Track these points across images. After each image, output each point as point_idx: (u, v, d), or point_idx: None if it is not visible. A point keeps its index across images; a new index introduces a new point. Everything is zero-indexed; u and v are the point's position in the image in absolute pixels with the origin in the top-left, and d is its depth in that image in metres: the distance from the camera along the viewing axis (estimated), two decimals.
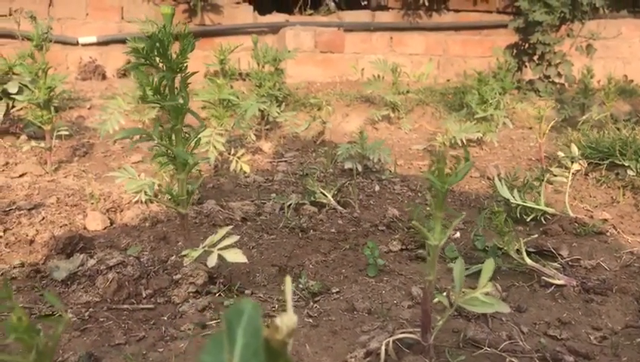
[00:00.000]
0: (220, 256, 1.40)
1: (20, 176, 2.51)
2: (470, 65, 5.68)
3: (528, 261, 1.51)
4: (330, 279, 1.57)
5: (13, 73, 3.02)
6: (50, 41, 2.66)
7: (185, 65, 1.39)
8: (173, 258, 1.54)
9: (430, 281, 1.06)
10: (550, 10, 4.67)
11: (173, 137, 1.45)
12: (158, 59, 1.39)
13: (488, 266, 1.05)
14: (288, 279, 0.57)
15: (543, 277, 1.50)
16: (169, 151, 1.47)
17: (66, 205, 2.11)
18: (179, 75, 1.41)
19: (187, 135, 1.47)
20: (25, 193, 2.27)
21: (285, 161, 3.02)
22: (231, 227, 1.47)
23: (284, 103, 3.71)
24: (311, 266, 1.64)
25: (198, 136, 1.48)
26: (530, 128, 4.27)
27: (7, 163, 2.67)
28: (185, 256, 1.43)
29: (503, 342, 1.21)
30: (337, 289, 1.47)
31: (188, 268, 1.45)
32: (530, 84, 4.97)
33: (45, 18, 4.63)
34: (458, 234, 1.92)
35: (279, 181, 2.60)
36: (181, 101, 1.41)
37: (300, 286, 1.47)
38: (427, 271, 1.06)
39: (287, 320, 0.55)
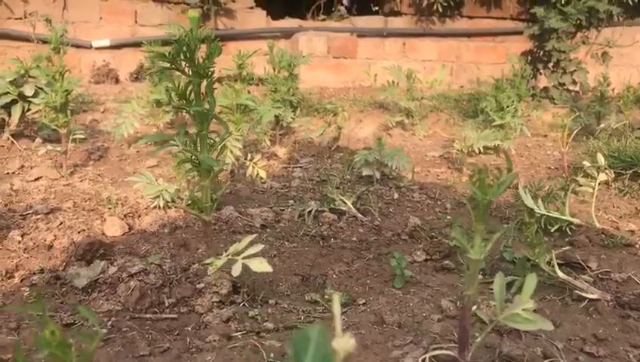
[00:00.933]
0: (244, 266, 1.36)
1: (36, 179, 2.49)
2: (483, 72, 5.64)
3: (560, 274, 1.47)
4: (355, 290, 1.53)
5: (29, 76, 3.02)
6: (67, 44, 2.64)
7: (212, 70, 1.37)
8: (195, 266, 1.51)
9: (469, 296, 1.03)
10: (566, 17, 4.63)
11: (198, 143, 1.42)
12: (184, 63, 1.37)
13: (530, 281, 1.01)
14: (336, 297, 0.53)
15: (576, 291, 1.45)
16: (193, 157, 1.44)
17: (83, 210, 2.09)
18: (205, 80, 1.39)
19: (212, 141, 1.44)
20: (41, 197, 2.25)
21: (301, 167, 2.99)
22: (255, 235, 1.44)
23: (297, 109, 3.68)
24: (334, 276, 1.61)
25: (223, 142, 1.45)
26: (545, 136, 4.22)
27: (22, 166, 2.66)
28: (208, 264, 1.40)
29: (539, 359, 1.17)
30: (364, 301, 1.44)
31: (211, 277, 1.42)
32: (544, 91, 4.93)
33: (60, 21, 4.65)
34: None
35: (296, 187, 2.57)
36: (207, 106, 1.38)
37: (326, 296, 1.43)
38: (466, 286, 1.03)
39: (343, 343, 0.51)
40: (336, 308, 0.52)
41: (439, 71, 5.53)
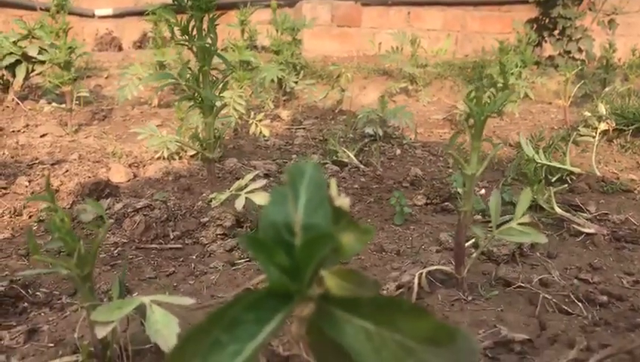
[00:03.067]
0: (247, 200, 1.39)
1: (42, 136, 2.51)
2: (488, 42, 5.59)
3: (558, 210, 1.49)
4: None
5: (33, 37, 3.02)
6: (64, 9, 2.62)
7: (214, 4, 1.38)
8: (199, 203, 1.54)
9: (466, 212, 1.05)
10: None
11: (201, 79, 1.44)
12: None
13: (525, 196, 1.03)
14: (333, 181, 0.56)
15: (573, 226, 1.48)
16: (196, 93, 1.46)
17: (89, 161, 2.12)
18: (206, 14, 1.39)
19: (214, 78, 1.46)
20: (47, 150, 2.28)
21: (304, 128, 3.00)
22: (257, 172, 1.46)
23: (301, 74, 3.68)
24: None
25: (226, 79, 1.46)
26: (550, 103, 4.20)
27: (27, 125, 2.68)
28: (212, 199, 1.43)
29: (533, 282, 1.19)
30: None
31: (215, 211, 1.45)
32: (550, 59, 4.88)
33: None
34: (483, 191, 1.90)
35: (299, 144, 2.58)
36: (209, 41, 1.39)
37: None
38: (462, 203, 1.05)
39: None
40: (333, 185, 0.54)
41: (444, 40, 5.48)
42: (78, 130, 2.63)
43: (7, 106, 2.95)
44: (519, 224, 1.01)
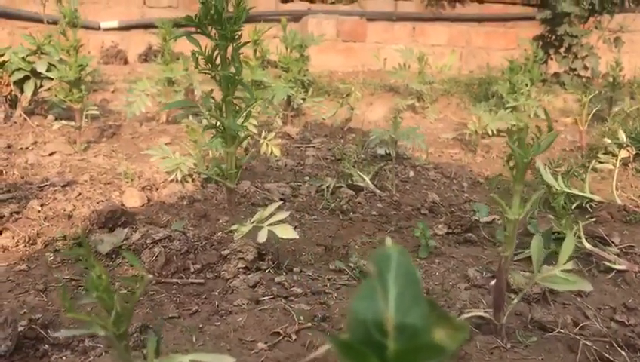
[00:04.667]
0: (269, 232, 1.35)
1: (50, 154, 2.48)
2: (493, 57, 5.60)
3: (587, 245, 1.46)
4: None
5: (42, 52, 2.99)
6: (77, 25, 2.59)
7: (239, 33, 1.35)
8: (218, 234, 1.50)
9: (506, 257, 1.02)
10: (579, 1, 4.59)
11: (224, 109, 1.40)
12: (210, 27, 1.35)
13: (569, 244, 1.00)
14: (389, 240, 0.52)
15: (603, 262, 1.44)
16: (218, 123, 1.42)
17: (100, 182, 2.08)
18: (231, 44, 1.37)
19: (238, 107, 1.42)
20: (57, 170, 2.24)
21: (313, 147, 2.97)
22: (279, 203, 1.43)
23: (309, 90, 3.66)
24: (357, 247, 1.60)
25: (249, 108, 1.43)
26: (557, 121, 4.19)
27: (35, 142, 2.64)
28: (234, 231, 1.39)
29: (570, 326, 1.16)
30: None
31: (236, 243, 1.41)
32: (555, 77, 4.89)
33: (68, 1, 4.61)
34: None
35: (311, 165, 2.55)
36: (234, 71, 1.36)
37: (351, 265, 1.43)
38: (504, 248, 1.02)
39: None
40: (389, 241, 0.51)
41: (449, 56, 5.48)
42: (87, 148, 2.59)
43: (15, 122, 2.91)
44: (562, 271, 0.98)
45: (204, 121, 1.45)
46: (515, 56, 5.81)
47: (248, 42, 1.40)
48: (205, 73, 1.37)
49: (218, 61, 1.38)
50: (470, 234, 1.69)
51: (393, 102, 4.10)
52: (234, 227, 1.40)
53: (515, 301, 1.06)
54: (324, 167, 2.52)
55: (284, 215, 1.39)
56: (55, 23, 4.26)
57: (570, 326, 1.17)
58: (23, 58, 2.90)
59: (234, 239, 1.42)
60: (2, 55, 2.95)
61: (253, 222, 1.41)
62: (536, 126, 1.05)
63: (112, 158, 2.46)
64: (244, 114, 1.43)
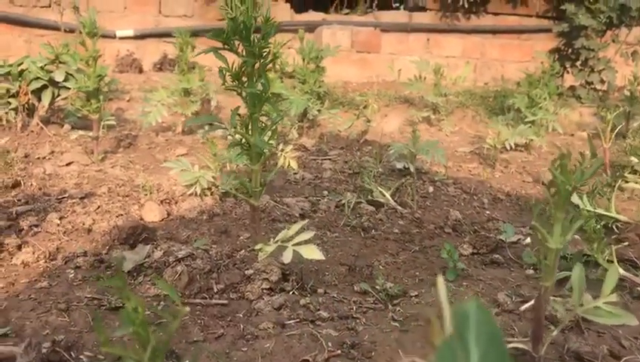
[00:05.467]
0: (293, 252, 1.33)
1: (67, 164, 2.47)
2: (507, 69, 5.56)
3: (621, 271, 1.41)
4: (404, 282, 1.49)
5: (60, 62, 3.00)
6: (96, 34, 2.58)
7: (267, 50, 1.33)
8: (241, 252, 1.47)
9: (547, 288, 0.98)
10: (596, 14, 4.55)
11: (250, 126, 1.38)
12: (238, 43, 1.33)
13: (612, 274, 0.97)
14: (440, 281, 0.49)
15: (638, 288, 1.40)
16: (243, 140, 1.40)
17: (118, 195, 2.07)
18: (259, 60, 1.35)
19: (263, 124, 1.40)
20: (74, 182, 2.22)
21: (330, 159, 2.94)
22: (305, 222, 1.40)
23: (326, 101, 3.64)
24: (381, 267, 1.56)
25: (275, 125, 1.41)
26: (573, 135, 4.15)
27: (52, 151, 2.64)
28: (258, 250, 1.36)
29: (608, 357, 1.12)
30: (416, 293, 1.39)
31: (260, 263, 1.38)
32: (571, 90, 4.85)
33: (85, 10, 4.64)
34: (529, 240, 1.83)
35: (328, 178, 2.53)
36: (261, 88, 1.34)
37: (377, 287, 1.39)
38: (544, 277, 0.98)
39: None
40: (442, 292, 0.48)
41: (463, 67, 5.45)
42: (104, 159, 2.58)
43: (32, 131, 2.91)
44: (606, 303, 0.94)
45: (229, 137, 1.43)
46: (530, 69, 5.77)
47: (276, 58, 1.38)
48: (232, 90, 1.35)
49: (244, 77, 1.36)
50: (497, 256, 1.65)
51: (408, 113, 4.07)
52: (258, 246, 1.38)
53: (555, 333, 1.02)
54: (342, 181, 2.49)
55: (309, 235, 1.36)
56: (72, 31, 4.31)
57: (608, 357, 1.13)
58: (41, 67, 2.91)
59: (257, 258, 1.39)
60: (21, 64, 2.96)
61: (277, 241, 1.39)
62: (580, 153, 1.01)
63: (130, 170, 2.45)
64: (270, 131, 1.41)
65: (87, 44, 2.52)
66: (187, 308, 0.74)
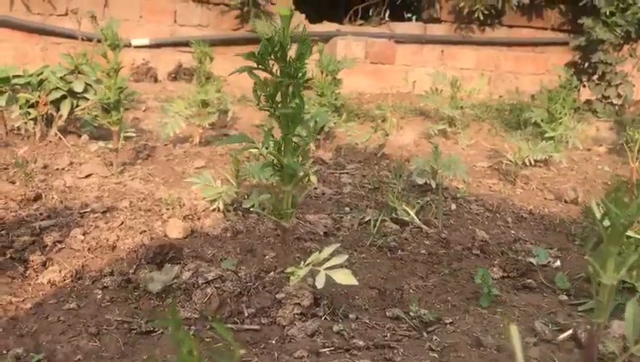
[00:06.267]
0: (326, 277, 1.30)
1: (87, 176, 2.45)
2: (522, 82, 5.53)
3: None
4: (436, 307, 1.45)
5: (79, 72, 3.00)
6: (118, 44, 2.57)
7: (304, 70, 1.31)
8: (271, 274, 1.45)
9: (599, 325, 0.95)
10: (614, 28, 4.52)
11: (282, 147, 1.36)
12: (272, 63, 1.31)
13: None
14: (514, 330, 0.47)
15: None
16: (275, 161, 1.38)
17: (140, 210, 2.05)
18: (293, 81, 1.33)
19: (296, 145, 1.38)
20: (95, 195, 2.21)
21: (347, 173, 2.92)
22: (337, 245, 1.38)
23: (343, 114, 3.63)
24: (411, 291, 1.53)
25: (307, 146, 1.38)
26: (589, 150, 4.11)
27: (71, 162, 2.63)
28: (290, 273, 1.34)
29: None
30: (450, 320, 1.36)
31: (291, 287, 1.35)
32: (587, 104, 4.81)
33: (101, 19, 4.65)
34: (559, 263, 1.79)
35: (349, 194, 2.50)
36: (295, 108, 1.32)
37: (410, 313, 1.36)
38: (597, 314, 0.95)
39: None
40: (517, 342, 0.45)
41: (477, 79, 5.43)
42: (123, 171, 2.57)
43: (50, 141, 2.90)
44: None
45: (260, 157, 1.41)
46: (545, 82, 5.74)
47: (311, 79, 1.36)
48: (266, 110, 1.33)
49: (278, 97, 1.34)
50: (529, 280, 1.62)
51: (424, 126, 4.05)
52: (289, 270, 1.35)
53: None
54: (362, 197, 2.46)
55: (341, 259, 1.33)
56: (89, 40, 4.32)
57: None
58: (60, 78, 2.91)
59: (288, 281, 1.37)
60: (40, 74, 2.96)
61: (308, 265, 1.36)
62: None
63: (149, 183, 2.43)
64: (302, 152, 1.39)
65: (109, 56, 2.51)
66: (242, 350, 0.71)
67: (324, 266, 1.32)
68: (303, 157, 1.39)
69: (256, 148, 1.39)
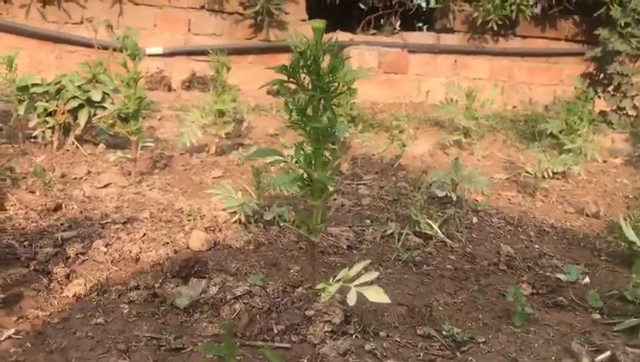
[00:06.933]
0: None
1: (105, 186, 2.45)
2: (535, 92, 5.50)
3: None
4: (468, 325, 1.42)
5: (97, 81, 3.00)
6: (138, 53, 2.56)
7: (336, 84, 1.29)
8: (299, 289, 1.42)
9: None
10: (628, 39, 4.49)
11: (313, 161, 1.34)
12: (304, 76, 1.30)
13: None
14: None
15: None
16: (305, 175, 1.36)
17: (161, 221, 2.03)
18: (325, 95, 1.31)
19: (327, 159, 1.36)
20: (114, 205, 2.20)
21: (365, 184, 2.90)
22: (367, 262, 1.35)
23: (359, 124, 3.61)
24: (440, 308, 1.51)
25: (337, 160, 1.37)
26: (605, 161, 4.07)
27: (89, 172, 2.62)
28: (321, 290, 1.31)
29: None
30: (483, 339, 1.33)
31: (321, 304, 1.33)
32: (602, 115, 4.77)
33: (116, 28, 4.68)
34: (587, 279, 1.76)
35: (368, 206, 2.48)
36: (326, 122, 1.30)
37: (443, 332, 1.33)
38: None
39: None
40: None
41: (490, 90, 5.40)
42: (140, 180, 2.56)
43: (67, 150, 2.90)
44: None
45: (290, 171, 1.39)
46: (558, 92, 5.71)
47: (342, 93, 1.34)
48: (297, 125, 1.31)
49: (309, 111, 1.32)
50: (560, 298, 1.58)
51: (438, 136, 4.02)
52: (320, 286, 1.33)
53: None
54: (382, 209, 2.43)
55: (372, 275, 1.31)
56: (105, 48, 4.33)
57: None
58: (78, 86, 2.91)
59: (316, 298, 1.34)
60: (58, 83, 2.96)
61: (338, 281, 1.34)
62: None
63: (168, 193, 2.42)
64: (332, 166, 1.37)
65: (129, 66, 2.51)
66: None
67: (355, 283, 1.30)
68: (333, 171, 1.37)
69: (285, 161, 1.37)
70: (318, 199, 1.37)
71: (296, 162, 1.35)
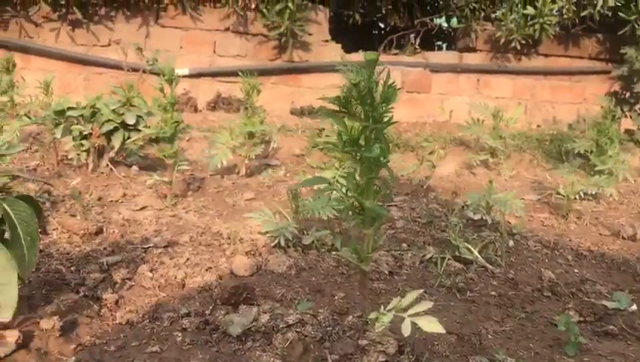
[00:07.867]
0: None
1: (142, 208, 2.48)
2: (558, 111, 5.48)
3: None
4: (520, 355, 1.41)
5: (131, 104, 3.06)
6: (173, 81, 2.61)
7: (390, 115, 1.31)
8: (349, 318, 1.43)
9: None
10: None
11: (365, 190, 1.35)
12: (358, 107, 1.31)
13: None
14: None
15: None
16: (356, 203, 1.37)
17: (201, 244, 2.05)
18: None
19: (378, 188, 1.37)
20: (153, 228, 2.22)
21: (396, 206, 2.89)
22: (420, 291, 1.35)
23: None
24: (490, 337, 1.49)
25: (389, 189, 1.37)
26: (635, 181, 4.01)
27: (124, 194, 2.66)
28: (374, 320, 1.31)
29: None
30: None
31: (374, 333, 1.33)
32: (628, 134, 4.73)
33: (144, 50, 4.78)
34: (635, 307, 1.73)
35: (402, 228, 2.47)
36: (378, 152, 1.32)
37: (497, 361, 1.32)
38: None
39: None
40: None
41: (513, 108, 5.39)
42: (176, 203, 2.59)
43: (102, 172, 2.95)
44: None
45: (341, 198, 1.40)
46: (582, 111, 5.67)
47: (395, 122, 1.36)
48: (349, 153, 1.33)
49: (362, 141, 1.34)
50: (611, 327, 1.56)
51: (464, 156, 4.02)
52: (372, 316, 1.33)
53: None
54: (417, 232, 2.43)
55: (426, 305, 1.30)
56: (135, 70, 4.43)
57: None
58: (113, 110, 2.97)
59: (368, 327, 1.34)
60: (93, 106, 3.03)
61: (390, 310, 1.34)
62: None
63: (204, 215, 2.44)
64: (384, 195, 1.38)
65: (166, 90, 2.56)
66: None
67: (409, 312, 1.30)
68: (384, 200, 1.38)
69: (334, 189, 1.38)
70: (370, 227, 1.38)
71: (347, 191, 1.36)
